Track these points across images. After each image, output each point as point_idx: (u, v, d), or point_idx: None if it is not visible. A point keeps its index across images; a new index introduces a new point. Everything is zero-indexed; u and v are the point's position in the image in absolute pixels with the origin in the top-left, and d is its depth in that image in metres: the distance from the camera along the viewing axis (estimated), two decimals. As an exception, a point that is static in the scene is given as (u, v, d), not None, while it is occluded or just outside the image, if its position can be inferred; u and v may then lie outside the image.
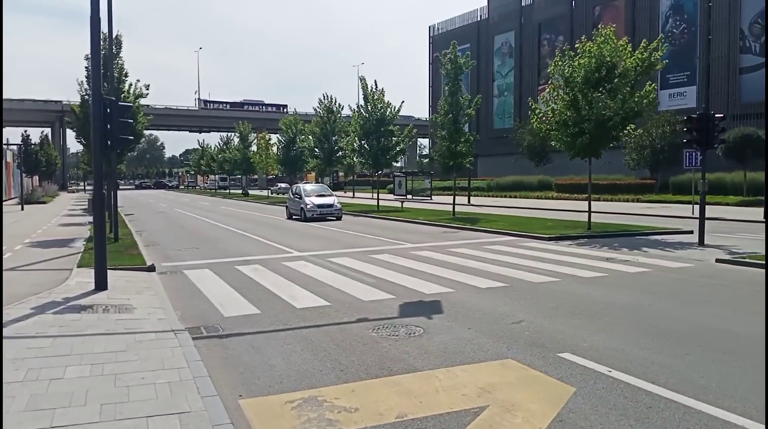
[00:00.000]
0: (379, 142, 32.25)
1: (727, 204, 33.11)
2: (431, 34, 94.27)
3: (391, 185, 72.32)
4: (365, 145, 32.69)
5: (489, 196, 53.93)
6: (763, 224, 18.45)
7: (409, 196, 54.20)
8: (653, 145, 50.34)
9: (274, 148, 53.46)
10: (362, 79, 33.22)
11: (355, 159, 36.19)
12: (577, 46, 18.90)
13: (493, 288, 10.44)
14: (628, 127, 18.40)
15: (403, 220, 25.81)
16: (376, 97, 32.91)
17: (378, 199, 36.04)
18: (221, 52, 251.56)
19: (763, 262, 11.80)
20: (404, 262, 13.83)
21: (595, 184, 49.80)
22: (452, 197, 44.88)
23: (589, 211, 19.68)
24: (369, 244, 17.69)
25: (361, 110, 33.19)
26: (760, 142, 38.27)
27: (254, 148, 58.50)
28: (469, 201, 46.98)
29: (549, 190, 54.01)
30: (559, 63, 18.84)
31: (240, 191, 75.66)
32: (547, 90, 19.36)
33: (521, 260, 13.61)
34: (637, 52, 18.28)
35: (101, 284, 10.46)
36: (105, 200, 10.39)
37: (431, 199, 52.29)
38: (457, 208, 28.22)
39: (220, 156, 71.03)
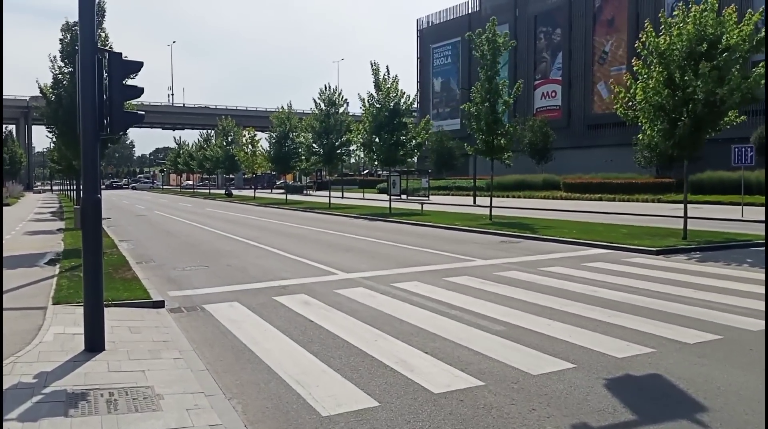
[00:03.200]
0: (392, 135, 28.50)
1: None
2: (419, 28, 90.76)
3: (382, 185, 69.07)
4: (376, 139, 28.88)
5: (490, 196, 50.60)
6: None
7: (404, 197, 50.73)
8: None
9: (263, 145, 49.29)
10: (373, 64, 29.45)
11: (361, 154, 32.27)
12: (675, 13, 15.44)
13: (707, 342, 6.85)
14: (731, 115, 15.03)
15: (436, 225, 22.13)
16: (389, 85, 29.22)
17: (390, 201, 32.23)
18: (194, 51, 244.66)
19: None
20: (503, 289, 10.18)
21: (609, 184, 47.13)
22: (473, 197, 41.65)
23: (685, 217, 16.20)
24: (425, 259, 14.00)
25: (372, 100, 29.40)
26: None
27: (241, 144, 54.08)
28: (474, 201, 43.67)
29: (554, 189, 51.06)
30: (652, 35, 15.36)
31: (223, 192, 71.10)
32: (635, 69, 15.83)
33: (671, 288, 10.03)
34: (742, 24, 14.89)
35: (96, 344, 6.62)
36: (100, 211, 6.43)
37: (429, 199, 48.86)
38: (482, 210, 24.64)
39: (199, 153, 66.49)
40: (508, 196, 49.09)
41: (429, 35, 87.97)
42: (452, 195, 55.24)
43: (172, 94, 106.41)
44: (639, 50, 16.10)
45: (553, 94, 67.26)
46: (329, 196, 39.39)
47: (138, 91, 7.25)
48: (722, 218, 23.73)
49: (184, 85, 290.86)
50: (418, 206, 36.54)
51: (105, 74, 6.57)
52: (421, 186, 54.26)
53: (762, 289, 9.64)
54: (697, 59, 14.74)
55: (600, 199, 42.83)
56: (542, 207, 33.93)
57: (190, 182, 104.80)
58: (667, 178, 45.75)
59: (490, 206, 24.58)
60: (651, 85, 15.04)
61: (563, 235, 16.89)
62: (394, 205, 32.07)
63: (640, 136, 16.13)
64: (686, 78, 14.64)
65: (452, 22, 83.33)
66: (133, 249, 17.09)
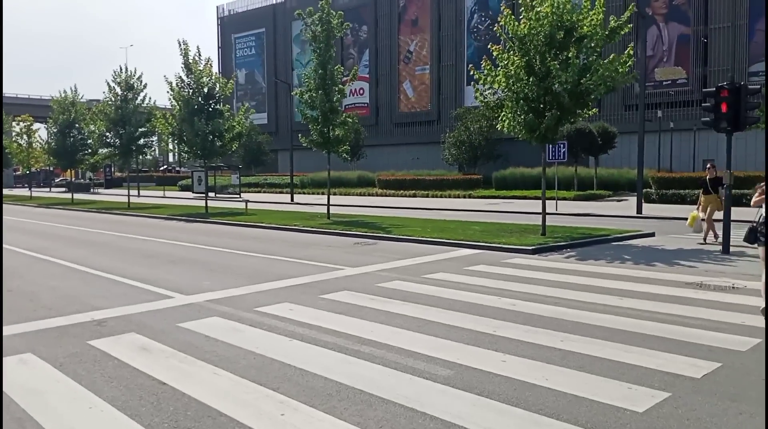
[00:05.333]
0: (209, 123, 25.02)
1: (564, 199, 31.87)
2: (219, 15, 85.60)
3: (184, 182, 63.42)
4: (188, 128, 25.12)
5: (305, 193, 48.99)
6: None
7: (212, 195, 46.73)
8: (471, 140, 49.58)
9: (41, 135, 41.91)
10: (183, 43, 25.68)
11: (171, 146, 27.96)
12: None
13: (711, 374, 5.36)
14: (587, 106, 14.61)
15: (272, 226, 19.41)
16: (200, 67, 25.69)
17: (206, 200, 28.57)
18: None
19: None
20: (402, 307, 8.09)
21: (422, 181, 47.65)
22: (290, 195, 38.97)
23: (544, 214, 15.48)
24: (283, 270, 11.41)
25: (182, 83, 25.60)
26: (593, 137, 38.64)
27: (14, 135, 45.54)
28: (292, 199, 41.52)
29: (369, 186, 50.81)
30: (511, 19, 14.34)
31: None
32: (494, 54, 14.70)
33: (587, 295, 8.68)
34: (592, 12, 14.48)
35: None
36: None
37: (240, 196, 45.49)
38: (308, 208, 22.55)
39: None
40: (323, 193, 47.60)
41: (230, 24, 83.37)
42: (264, 192, 52.38)
43: None
44: (498, 34, 15.06)
45: (361, 91, 67.15)
46: (128, 195, 34.30)
47: None
48: (536, 212, 24.27)
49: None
50: (234, 205, 33.34)
51: None
52: (231, 183, 50.65)
53: (663, 288, 8.73)
54: (558, 47, 14.03)
55: (414, 196, 43.04)
56: (365, 204, 32.71)
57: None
58: (473, 174, 47.57)
59: (328, 204, 22.43)
60: (513, 72, 14.02)
61: (420, 235, 15.33)
62: (209, 203, 28.49)
63: (498, 125, 15.09)
64: (549, 66, 13.83)
65: (256, 11, 79.76)
66: None
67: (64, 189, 63.79)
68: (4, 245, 16.08)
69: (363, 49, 68.71)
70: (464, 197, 40.04)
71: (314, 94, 20.46)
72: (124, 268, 11.99)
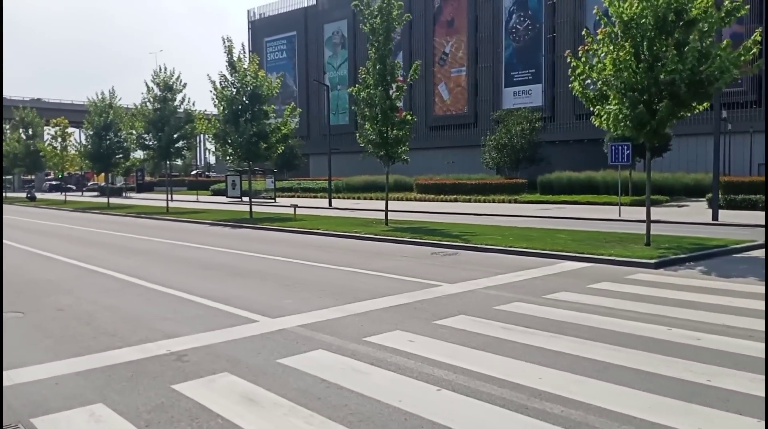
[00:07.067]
0: (254, 125, 23.64)
1: (622, 204, 29.97)
2: (250, 19, 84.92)
3: (217, 186, 62.39)
4: (233, 129, 23.72)
5: (341, 197, 47.49)
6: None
7: (245, 199, 45.51)
8: (513, 143, 47.68)
9: (77, 139, 41.05)
10: (227, 40, 24.40)
11: (212, 149, 26.71)
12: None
13: None
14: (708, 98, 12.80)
15: (331, 233, 17.87)
16: (245, 65, 24.35)
17: (251, 205, 27.17)
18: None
19: None
20: (542, 339, 6.45)
21: (462, 185, 45.84)
22: (328, 200, 37.40)
23: (648, 221, 13.66)
24: (372, 287, 9.83)
25: (225, 82, 24.28)
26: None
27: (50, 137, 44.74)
28: (330, 204, 40.03)
29: (406, 190, 49.08)
30: (617, 2, 12.58)
31: (22, 195, 59.76)
32: (600, 37, 12.90)
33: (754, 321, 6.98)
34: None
35: None
36: None
37: (275, 201, 44.20)
38: (350, 213, 21.00)
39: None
40: (359, 198, 46.23)
41: (262, 28, 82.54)
42: (298, 196, 51.10)
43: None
44: (599, 20, 13.32)
45: (396, 94, 65.57)
46: (167, 199, 33.08)
47: None
48: (601, 218, 22.54)
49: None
50: (275, 210, 31.99)
51: None
52: (265, 187, 49.48)
53: None
54: (669, 31, 12.27)
55: (455, 200, 41.31)
56: (409, 209, 31.06)
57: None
58: (517, 178, 45.69)
59: (386, 210, 20.83)
60: (621, 57, 12.26)
61: (504, 244, 13.64)
62: (238, 208, 27.11)
63: (595, 121, 13.34)
64: (658, 53, 12.08)
65: (287, 14, 78.80)
66: None
67: (96, 193, 63.21)
68: (47, 254, 14.73)
69: (396, 52, 67.08)
70: (509, 202, 38.24)
71: (372, 91, 18.92)
72: (186, 281, 10.51)
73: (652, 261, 10.96)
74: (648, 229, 13.46)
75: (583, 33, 13.76)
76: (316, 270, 11.68)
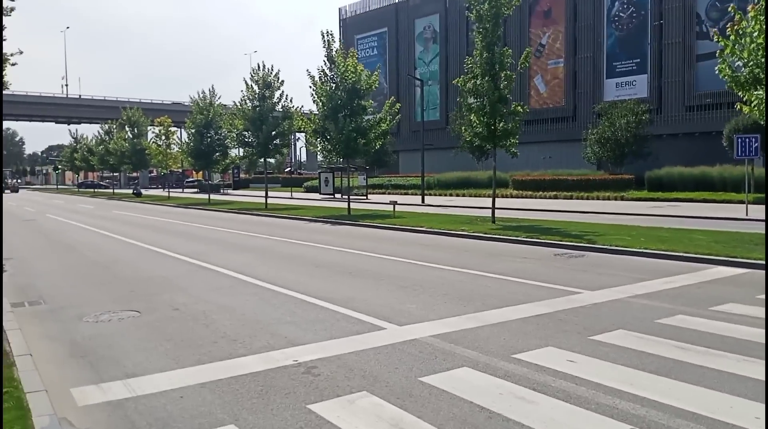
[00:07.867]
0: (353, 120, 23.17)
1: (741, 202, 27.21)
2: (341, 17, 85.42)
3: (310, 183, 63.14)
4: (332, 125, 23.37)
5: (432, 194, 46.48)
6: None
7: (338, 196, 45.49)
8: (617, 137, 44.94)
9: (179, 136, 42.36)
10: (327, 34, 24.08)
11: (311, 146, 26.53)
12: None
13: None
14: None
15: (437, 231, 17.04)
16: (346, 59, 23.90)
17: (348, 202, 26.77)
18: (91, 44, 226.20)
19: None
20: (723, 361, 5.33)
21: (562, 181, 43.72)
22: (421, 196, 36.79)
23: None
24: (501, 292, 8.91)
25: (325, 78, 23.95)
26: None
27: (155, 135, 46.50)
28: (423, 200, 39.14)
29: (501, 187, 47.42)
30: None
31: (128, 191, 62.85)
32: (751, 14, 11.31)
33: None
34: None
35: None
36: None
37: (367, 198, 43.88)
38: (444, 211, 19.94)
39: (100, 148, 57.92)
40: (452, 195, 45.17)
41: (353, 25, 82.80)
42: (389, 193, 50.59)
43: (67, 85, 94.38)
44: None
45: (488, 87, 63.90)
46: (266, 196, 33.38)
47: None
48: (725, 217, 20.28)
49: (81, 77, 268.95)
50: (370, 206, 31.52)
51: None
52: (357, 184, 49.39)
53: None
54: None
55: (555, 197, 39.43)
56: (507, 206, 29.63)
57: (91, 180, 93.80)
58: (623, 174, 43.08)
59: (493, 208, 19.82)
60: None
61: (636, 246, 12.31)
62: (334, 204, 26.72)
63: (746, 109, 11.74)
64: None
65: (378, 11, 78.63)
66: (12, 275, 11.03)
67: (195, 190, 65.49)
68: (158, 249, 14.76)
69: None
70: (615, 199, 35.97)
71: (479, 81, 17.90)
72: (300, 280, 9.97)
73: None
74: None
75: (730, 9, 12.17)
76: (431, 271, 10.88)
